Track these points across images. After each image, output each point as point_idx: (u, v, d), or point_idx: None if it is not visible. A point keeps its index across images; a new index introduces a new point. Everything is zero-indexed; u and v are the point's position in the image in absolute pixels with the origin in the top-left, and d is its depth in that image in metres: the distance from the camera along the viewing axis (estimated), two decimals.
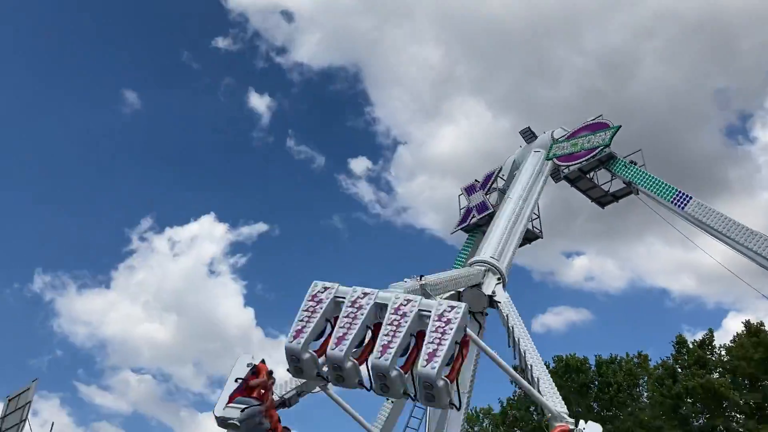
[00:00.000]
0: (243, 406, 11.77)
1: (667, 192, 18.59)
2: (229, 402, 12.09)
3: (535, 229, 23.48)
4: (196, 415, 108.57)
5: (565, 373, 40.22)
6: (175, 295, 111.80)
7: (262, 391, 12.40)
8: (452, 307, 9.81)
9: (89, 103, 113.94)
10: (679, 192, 18.32)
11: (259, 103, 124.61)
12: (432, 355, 9.32)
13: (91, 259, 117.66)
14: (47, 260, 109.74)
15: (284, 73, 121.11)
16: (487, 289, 16.92)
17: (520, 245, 23.90)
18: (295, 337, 10.27)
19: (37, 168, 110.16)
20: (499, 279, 17.35)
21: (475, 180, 23.92)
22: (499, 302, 16.68)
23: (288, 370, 10.90)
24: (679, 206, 18.15)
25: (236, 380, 12.49)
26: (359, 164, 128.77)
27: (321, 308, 10.82)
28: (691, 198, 18.03)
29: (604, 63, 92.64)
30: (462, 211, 23.71)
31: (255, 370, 12.57)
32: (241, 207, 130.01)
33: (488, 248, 18.00)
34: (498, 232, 18.66)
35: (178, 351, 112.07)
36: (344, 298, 10.98)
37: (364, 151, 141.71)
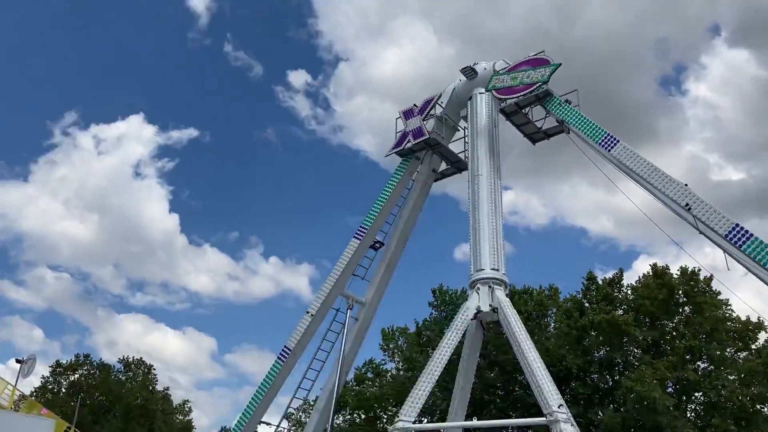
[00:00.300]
0: None
1: (597, 133, 19.09)
2: None
3: (466, 159, 23.81)
4: (114, 315, 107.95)
5: None
6: (97, 194, 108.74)
7: None
8: None
9: None
10: (608, 135, 18.85)
11: (198, 2, 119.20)
12: None
13: (7, 150, 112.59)
14: None
15: None
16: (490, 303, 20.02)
17: (451, 174, 24.34)
18: None
19: None
20: (500, 286, 19.84)
21: (414, 105, 23.87)
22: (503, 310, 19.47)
23: None
24: (606, 148, 18.71)
25: None
26: (298, 77, 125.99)
27: None
28: (618, 141, 18.60)
29: (553, 1, 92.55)
30: (398, 134, 23.74)
31: None
32: (173, 110, 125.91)
33: (485, 258, 20.01)
34: (486, 235, 20.23)
35: (98, 251, 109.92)
36: None
37: (304, 64, 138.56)
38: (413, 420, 17.83)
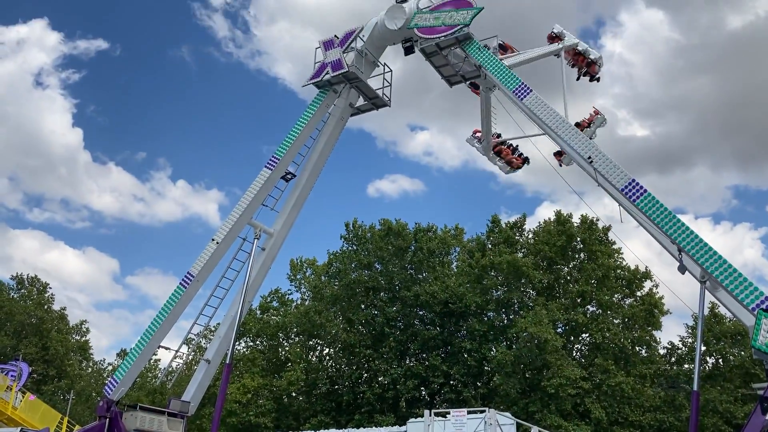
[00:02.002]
0: None
1: (511, 81, 19.38)
2: None
3: (384, 96, 23.73)
4: (8, 231, 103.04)
5: (386, 235, 42.47)
6: None
7: None
8: None
9: None
10: (521, 83, 19.18)
11: None
12: None
13: None
14: None
15: None
16: None
17: (367, 110, 24.24)
18: None
19: None
20: None
21: (335, 36, 23.36)
22: None
23: None
24: (518, 97, 19.07)
25: None
26: None
27: None
28: (531, 91, 18.97)
29: None
30: (317, 65, 23.27)
31: None
32: (80, 18, 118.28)
33: None
34: None
35: None
36: None
37: None
38: None
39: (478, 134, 25.13)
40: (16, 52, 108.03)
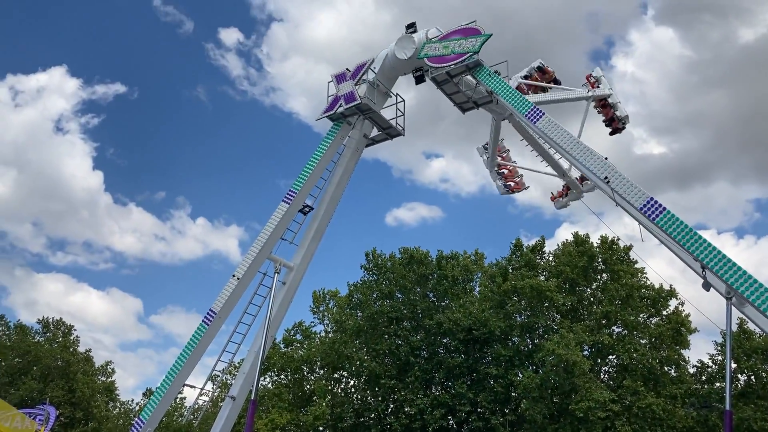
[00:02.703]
0: None
1: (523, 105, 19.48)
2: None
3: (398, 125, 23.93)
4: (33, 275, 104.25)
5: (408, 263, 42.39)
6: (15, 148, 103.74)
7: None
8: None
9: None
10: (534, 107, 19.27)
11: None
12: None
13: None
14: None
15: None
16: None
17: (382, 140, 24.42)
18: None
19: None
20: None
21: (347, 69, 23.68)
22: None
23: None
24: (531, 120, 19.15)
25: None
26: (230, 35, 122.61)
27: None
28: (543, 114, 19.05)
29: None
30: (330, 98, 23.56)
31: None
32: (98, 63, 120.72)
33: None
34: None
35: (15, 208, 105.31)
36: None
37: (237, 23, 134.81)
38: None
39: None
40: (36, 99, 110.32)
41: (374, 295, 43.27)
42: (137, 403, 65.03)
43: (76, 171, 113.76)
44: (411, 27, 22.45)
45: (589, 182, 21.84)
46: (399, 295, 43.02)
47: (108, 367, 62.57)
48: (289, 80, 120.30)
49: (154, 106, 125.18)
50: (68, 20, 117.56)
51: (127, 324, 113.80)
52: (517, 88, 20.57)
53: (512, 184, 25.43)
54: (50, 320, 60.06)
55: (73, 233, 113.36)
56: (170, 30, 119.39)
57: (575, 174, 23.21)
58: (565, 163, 22.84)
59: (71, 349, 58.60)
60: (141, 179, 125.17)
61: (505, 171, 25.37)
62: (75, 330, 60.52)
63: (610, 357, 39.70)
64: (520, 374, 38.22)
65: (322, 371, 45.62)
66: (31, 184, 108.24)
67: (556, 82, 22.32)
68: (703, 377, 40.92)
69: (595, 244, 41.67)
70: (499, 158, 25.36)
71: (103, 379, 61.57)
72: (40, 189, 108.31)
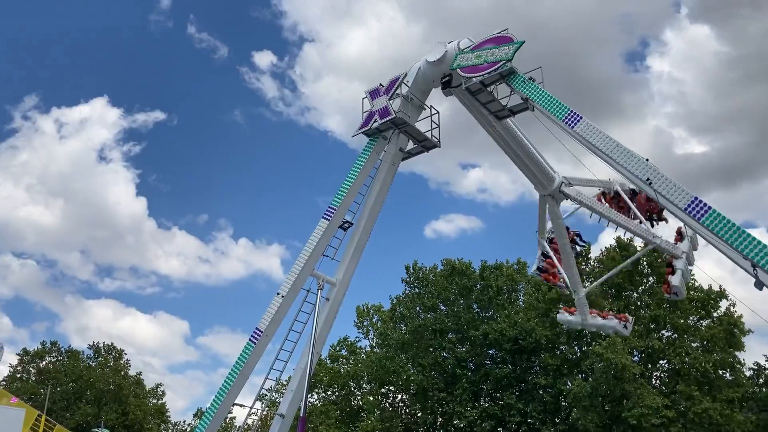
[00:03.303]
0: None
1: (560, 110, 19.26)
2: None
3: (433, 137, 23.90)
4: (83, 302, 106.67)
5: (451, 275, 42.22)
6: (61, 179, 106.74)
7: None
8: None
9: None
10: (571, 111, 19.05)
11: None
12: None
13: None
14: None
15: None
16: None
17: (418, 153, 24.44)
18: None
19: None
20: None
21: (380, 84, 23.77)
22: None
23: None
24: (569, 125, 18.91)
25: None
26: (264, 58, 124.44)
27: None
28: (581, 118, 18.81)
29: None
30: (364, 114, 23.67)
31: None
32: (137, 93, 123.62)
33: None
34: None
35: (64, 237, 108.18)
36: None
37: (270, 45, 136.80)
38: None
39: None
40: (80, 130, 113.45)
41: (417, 308, 43.18)
42: (188, 424, 65.90)
43: (120, 198, 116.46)
44: (444, 78, 22.68)
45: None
46: (442, 307, 42.84)
47: (158, 389, 63.62)
48: (323, 99, 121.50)
49: (193, 131, 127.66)
50: (107, 52, 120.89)
51: (175, 346, 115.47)
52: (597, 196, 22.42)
53: (547, 274, 25.64)
54: (101, 345, 61.41)
55: (119, 259, 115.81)
56: (205, 56, 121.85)
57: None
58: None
59: (122, 373, 59.80)
60: (183, 203, 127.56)
61: (546, 263, 25.56)
62: (125, 354, 61.86)
63: (661, 362, 38.84)
64: (569, 383, 37.63)
65: (369, 386, 45.59)
66: (78, 213, 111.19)
67: (660, 215, 22.25)
68: (761, 380, 39.72)
69: (639, 248, 40.89)
70: (548, 244, 25.67)
71: (154, 401, 62.58)
72: (86, 218, 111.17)
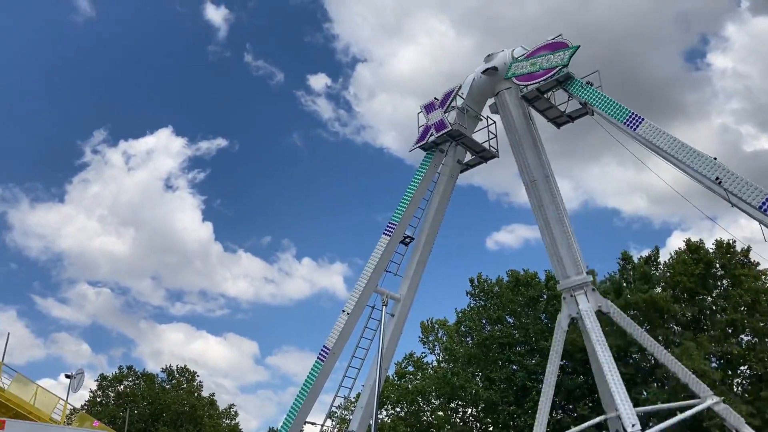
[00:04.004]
0: None
1: (621, 113, 18.94)
2: None
3: (491, 148, 23.80)
4: (156, 326, 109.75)
5: (516, 286, 41.66)
6: (131, 209, 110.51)
7: None
8: None
9: (40, 11, 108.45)
10: (632, 113, 18.69)
11: (216, 15, 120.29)
12: None
13: (43, 172, 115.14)
14: None
15: None
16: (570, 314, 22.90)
17: (476, 164, 24.34)
18: None
19: None
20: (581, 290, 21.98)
21: (435, 98, 23.88)
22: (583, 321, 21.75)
23: None
24: (631, 127, 18.56)
25: None
26: (318, 81, 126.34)
27: None
28: (643, 119, 18.44)
29: None
30: (420, 129, 23.78)
31: None
32: (199, 122, 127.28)
33: (568, 266, 22.22)
34: (564, 243, 22.12)
35: (135, 265, 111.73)
36: None
37: (324, 68, 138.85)
38: None
39: None
40: (147, 161, 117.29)
41: (483, 321, 42.72)
42: None
43: (188, 224, 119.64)
44: (488, 72, 22.56)
45: None
46: (509, 320, 42.27)
47: (231, 410, 64.75)
48: (378, 117, 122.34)
49: (254, 155, 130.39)
50: (169, 84, 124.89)
51: (246, 367, 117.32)
52: None
53: None
54: (174, 368, 62.94)
55: (189, 284, 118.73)
56: (262, 82, 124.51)
57: None
58: None
59: (196, 395, 61.10)
60: (247, 226, 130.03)
61: None
62: (198, 376, 63.19)
63: (742, 368, 37.23)
64: (644, 392, 36.48)
65: (437, 402, 45.27)
66: (148, 240, 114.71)
67: None
68: None
69: (711, 250, 39.50)
70: None
71: (228, 421, 63.69)
72: (156, 244, 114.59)
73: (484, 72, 22.50)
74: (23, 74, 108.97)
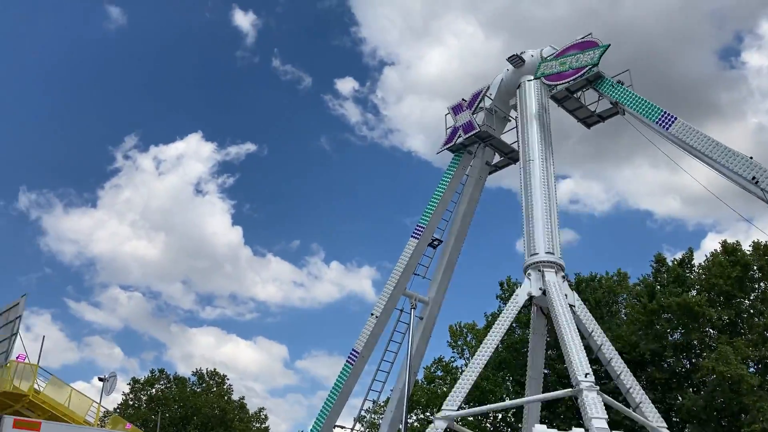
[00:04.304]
0: None
1: (652, 112, 18.58)
2: None
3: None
4: (187, 330, 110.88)
5: None
6: (162, 214, 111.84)
7: None
8: None
9: (72, 19, 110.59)
10: (664, 112, 18.32)
11: (244, 21, 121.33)
12: None
13: (76, 178, 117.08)
14: (31, 178, 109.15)
15: None
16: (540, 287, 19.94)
17: (505, 166, 24.09)
18: None
19: (18, 86, 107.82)
20: (552, 268, 19.63)
21: (462, 99, 23.72)
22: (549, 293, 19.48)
23: None
24: (663, 127, 18.20)
25: None
26: (346, 85, 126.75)
27: None
28: (675, 119, 18.06)
29: None
30: (448, 130, 23.62)
31: None
32: (229, 127, 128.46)
33: (539, 243, 19.92)
34: (539, 218, 20.01)
35: (166, 269, 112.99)
36: None
37: (351, 72, 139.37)
38: (456, 408, 18.00)
39: None
40: (177, 166, 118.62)
41: (513, 325, 42.29)
42: None
43: (217, 229, 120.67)
44: (514, 59, 22.23)
45: None
46: None
47: (261, 413, 64.97)
48: (406, 120, 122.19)
49: (282, 160, 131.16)
50: (199, 90, 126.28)
51: (275, 370, 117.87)
52: None
53: None
54: (205, 371, 63.45)
55: (219, 287, 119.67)
56: (290, 86, 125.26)
57: None
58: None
59: (226, 398, 61.48)
60: (276, 230, 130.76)
61: None
62: (228, 379, 63.58)
63: None
64: (680, 397, 35.76)
65: (467, 406, 44.93)
66: (179, 245, 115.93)
67: None
68: None
69: (748, 252, 38.59)
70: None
71: (258, 425, 63.95)
72: (186, 249, 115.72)
73: (510, 59, 22.16)
74: (57, 82, 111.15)
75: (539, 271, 19.47)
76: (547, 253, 19.67)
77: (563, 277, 19.87)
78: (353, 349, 21.13)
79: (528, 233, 20.26)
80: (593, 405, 15.58)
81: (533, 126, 21.21)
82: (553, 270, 19.46)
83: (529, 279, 19.98)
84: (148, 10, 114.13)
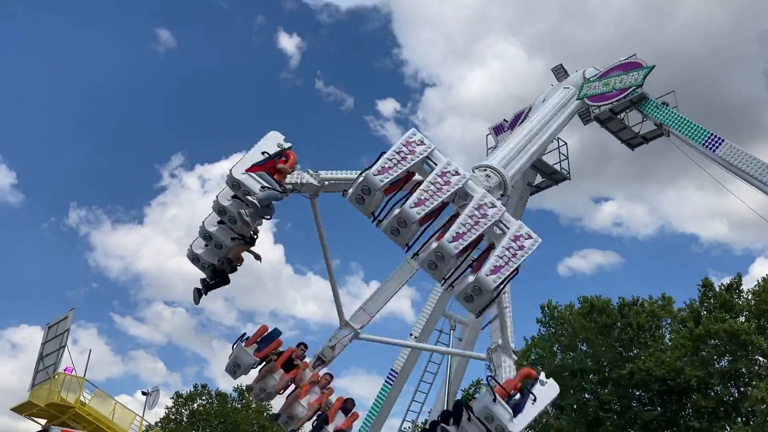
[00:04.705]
0: (265, 185, 11.76)
1: (699, 134, 18.32)
2: (250, 170, 12.07)
3: (563, 170, 23.38)
4: (228, 346, 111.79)
5: (589, 313, 40.51)
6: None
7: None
8: (530, 236, 11.28)
9: (123, 42, 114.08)
10: (711, 134, 18.05)
11: (289, 43, 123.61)
12: (497, 269, 10.77)
13: (124, 195, 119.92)
14: (82, 195, 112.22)
15: (313, 14, 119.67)
16: None
17: (546, 187, 23.93)
18: (379, 173, 10.72)
19: (71, 105, 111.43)
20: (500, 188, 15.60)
21: (504, 120, 23.74)
22: None
23: (349, 194, 12.32)
24: (710, 149, 17.92)
25: (262, 153, 12.35)
26: (387, 106, 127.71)
27: (411, 160, 11.14)
28: (723, 141, 17.77)
29: (643, 3, 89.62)
30: (489, 151, 23.62)
31: (284, 156, 12.79)
32: None
33: (495, 156, 16.24)
34: (508, 144, 16.93)
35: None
36: (436, 164, 11.44)
37: (392, 93, 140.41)
38: None
39: None
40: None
41: (555, 349, 41.70)
42: None
43: (260, 247, 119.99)
44: (558, 70, 22.16)
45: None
46: (582, 347, 41.10)
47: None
48: (447, 140, 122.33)
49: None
50: (244, 111, 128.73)
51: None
52: None
53: None
54: (245, 387, 63.95)
55: (260, 304, 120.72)
56: (333, 108, 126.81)
57: None
58: None
59: (265, 414, 61.78)
60: (317, 249, 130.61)
61: None
62: None
63: None
64: (727, 426, 34.71)
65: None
66: None
67: None
68: None
69: None
70: None
71: None
72: None
73: (554, 69, 22.06)
74: (108, 102, 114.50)
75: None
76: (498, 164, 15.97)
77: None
78: (392, 369, 21.12)
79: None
80: None
81: (546, 106, 19.86)
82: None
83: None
84: (197, 34, 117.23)
